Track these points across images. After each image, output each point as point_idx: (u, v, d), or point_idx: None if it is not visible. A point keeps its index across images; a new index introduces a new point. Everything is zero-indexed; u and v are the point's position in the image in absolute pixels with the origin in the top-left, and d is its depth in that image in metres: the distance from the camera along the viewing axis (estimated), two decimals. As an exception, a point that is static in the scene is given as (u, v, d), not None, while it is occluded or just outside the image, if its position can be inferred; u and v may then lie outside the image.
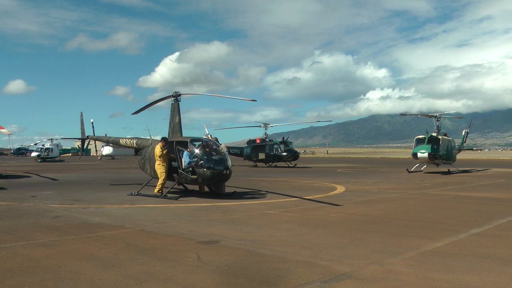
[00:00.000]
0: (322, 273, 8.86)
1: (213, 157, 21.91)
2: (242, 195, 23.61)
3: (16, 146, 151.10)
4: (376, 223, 15.20)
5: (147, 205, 19.25)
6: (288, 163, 61.56)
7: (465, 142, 61.65)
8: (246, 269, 9.12)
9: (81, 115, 34.23)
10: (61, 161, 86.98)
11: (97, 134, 34.66)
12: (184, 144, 22.62)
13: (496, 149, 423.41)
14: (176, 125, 24.44)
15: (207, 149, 22.10)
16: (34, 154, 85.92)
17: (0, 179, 34.95)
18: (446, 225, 14.82)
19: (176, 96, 24.41)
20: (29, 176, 39.04)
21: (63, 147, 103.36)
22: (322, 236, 12.70)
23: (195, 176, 21.71)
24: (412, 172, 45.90)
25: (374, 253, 10.51)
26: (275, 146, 61.24)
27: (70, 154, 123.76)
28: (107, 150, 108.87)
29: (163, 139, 22.66)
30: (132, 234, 12.89)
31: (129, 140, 28.73)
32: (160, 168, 22.70)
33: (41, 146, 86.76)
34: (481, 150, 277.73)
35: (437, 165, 46.33)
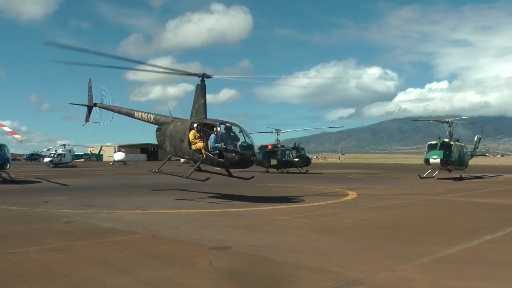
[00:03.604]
0: (334, 280, 8.82)
1: (242, 143, 22.05)
2: (254, 201, 23.57)
3: (29, 151, 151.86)
4: (388, 229, 15.13)
5: (159, 211, 19.28)
6: (300, 169, 61.36)
7: (477, 147, 61.26)
8: (257, 275, 9.10)
9: (89, 81, 33.03)
10: (73, 166, 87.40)
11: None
12: (212, 126, 22.60)
13: (509, 154, 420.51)
14: (200, 106, 24.10)
15: (236, 134, 22.29)
16: (46, 159, 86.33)
17: (13, 183, 35.14)
18: (458, 231, 14.73)
19: (203, 77, 24.23)
20: (40, 182, 39.22)
21: (75, 153, 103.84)
22: (334, 242, 12.66)
23: (222, 160, 21.71)
24: (424, 178, 45.63)
25: (386, 260, 10.45)
26: (287, 152, 61.12)
27: (83, 159, 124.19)
28: (119, 155, 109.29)
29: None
30: (144, 239, 12.91)
31: (146, 114, 27.94)
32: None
33: (53, 152, 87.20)
34: (494, 155, 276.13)
35: (450, 171, 46.03)
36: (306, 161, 60.87)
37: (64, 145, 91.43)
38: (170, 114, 26.51)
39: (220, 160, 21.76)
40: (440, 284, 8.59)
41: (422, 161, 48.09)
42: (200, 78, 24.22)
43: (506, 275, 9.28)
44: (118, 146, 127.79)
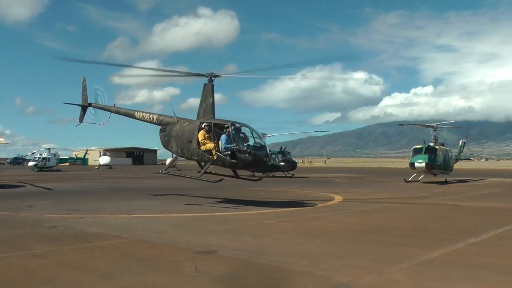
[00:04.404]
0: (321, 283, 8.82)
1: (255, 143, 21.80)
2: (240, 204, 23.54)
3: (13, 155, 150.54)
4: (374, 233, 15.18)
5: (144, 215, 19.18)
6: (285, 173, 61.39)
7: (462, 152, 61.71)
8: (244, 279, 9.08)
9: (84, 80, 31.80)
10: (58, 170, 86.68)
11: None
12: (223, 127, 22.31)
13: (493, 159, 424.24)
14: (209, 106, 23.68)
15: (249, 134, 22.05)
16: (31, 163, 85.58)
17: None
18: (443, 234, 14.81)
19: (211, 77, 23.82)
20: (24, 186, 38.89)
21: (60, 157, 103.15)
22: (320, 246, 12.68)
23: (235, 160, 21.38)
24: (409, 182, 45.83)
25: (372, 263, 10.48)
26: (273, 156, 61.13)
27: (68, 163, 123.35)
28: (104, 159, 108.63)
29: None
30: (130, 244, 12.84)
31: (148, 114, 27.21)
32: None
33: (38, 156, 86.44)
34: (478, 159, 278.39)
35: (435, 174, 46.29)
36: (292, 165, 60.91)
37: (49, 148, 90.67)
38: (175, 114, 25.94)
39: (232, 161, 21.41)
40: (426, 287, 8.63)
41: (407, 165, 48.44)
42: (208, 78, 23.92)
43: (490, 277, 9.35)
44: (103, 150, 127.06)
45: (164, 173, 25.40)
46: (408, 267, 10.08)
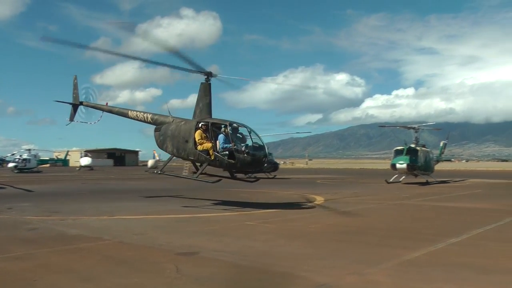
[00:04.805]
0: (302, 284, 8.84)
1: (253, 143, 21.59)
2: (222, 206, 23.51)
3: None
4: (356, 233, 15.23)
5: (126, 217, 19.09)
6: (267, 174, 61.42)
7: (443, 153, 62.19)
8: (225, 281, 9.07)
9: (75, 78, 31.02)
10: (39, 172, 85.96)
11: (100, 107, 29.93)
12: (221, 126, 21.99)
13: (474, 160, 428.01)
14: (205, 106, 23.23)
15: (248, 134, 21.80)
16: (11, 164, 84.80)
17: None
18: (424, 235, 14.90)
19: (208, 75, 23.22)
20: (3, 188, 38.50)
21: (41, 158, 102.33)
22: (302, 247, 12.69)
23: (233, 161, 21.07)
24: (390, 183, 46.07)
25: (353, 264, 10.51)
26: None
27: (48, 165, 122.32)
28: (85, 160, 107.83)
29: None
30: (110, 246, 12.77)
31: (142, 114, 26.61)
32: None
33: (18, 157, 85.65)
34: (459, 160, 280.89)
35: (416, 176, 46.58)
36: (273, 166, 60.89)
37: (29, 149, 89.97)
38: (170, 113, 25.53)
39: (230, 161, 21.09)
40: (406, 287, 8.68)
41: (388, 166, 48.65)
42: (205, 77, 23.34)
43: (470, 277, 9.43)
44: (84, 151, 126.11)
45: (160, 173, 24.99)
46: (389, 268, 10.12)
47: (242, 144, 21.41)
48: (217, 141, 21.55)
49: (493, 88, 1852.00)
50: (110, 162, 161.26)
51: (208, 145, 21.65)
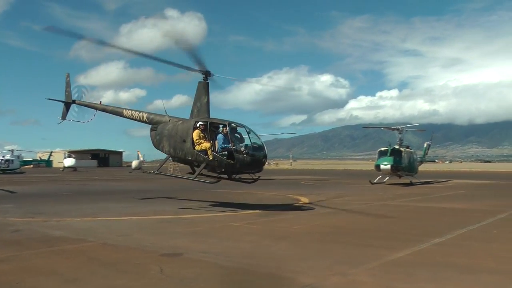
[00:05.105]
0: (286, 285, 8.87)
1: (253, 143, 21.21)
2: (206, 207, 23.49)
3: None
4: (340, 234, 15.31)
5: (110, 218, 19.01)
6: (251, 175, 61.33)
7: (427, 154, 62.60)
8: (209, 282, 9.07)
9: (67, 76, 30.51)
10: (22, 173, 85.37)
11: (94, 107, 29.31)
12: (220, 126, 21.71)
13: (457, 161, 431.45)
14: (203, 105, 22.82)
15: (247, 134, 21.38)
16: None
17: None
18: (408, 235, 15.01)
19: (206, 75, 22.73)
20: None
21: (24, 159, 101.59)
22: (286, 248, 12.72)
23: (232, 161, 20.78)
24: (375, 183, 46.30)
25: (337, 264, 10.56)
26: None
27: (32, 165, 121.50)
28: (69, 161, 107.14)
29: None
30: (95, 247, 12.71)
31: (137, 113, 26.17)
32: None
33: (1, 158, 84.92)
34: (442, 161, 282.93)
35: (400, 176, 46.82)
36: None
37: (12, 150, 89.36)
38: (166, 113, 25.12)
39: (229, 161, 20.83)
40: (390, 287, 8.74)
41: (372, 167, 48.88)
42: (203, 76, 22.86)
43: (454, 277, 9.51)
44: (68, 152, 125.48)
45: (156, 173, 24.71)
46: (373, 268, 10.18)
47: (241, 144, 21.17)
48: (216, 141, 21.32)
49: (476, 90, 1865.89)
50: (94, 163, 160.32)
51: (206, 145, 21.32)
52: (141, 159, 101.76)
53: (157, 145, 24.35)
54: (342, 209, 22.76)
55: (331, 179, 62.14)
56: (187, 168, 24.82)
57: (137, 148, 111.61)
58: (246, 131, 21.55)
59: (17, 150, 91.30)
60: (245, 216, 19.93)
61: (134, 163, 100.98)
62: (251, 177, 24.61)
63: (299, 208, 23.59)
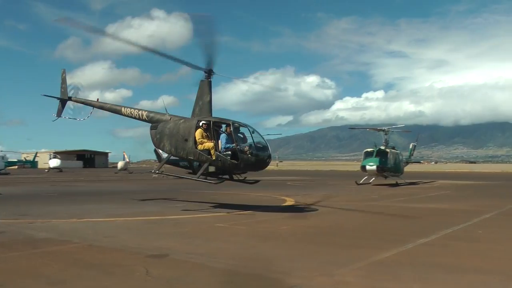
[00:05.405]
0: (273, 286, 8.88)
1: (257, 143, 20.93)
2: (192, 208, 23.43)
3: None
4: (326, 234, 15.35)
5: (95, 219, 18.90)
6: (237, 175, 61.26)
7: (412, 155, 62.94)
8: (196, 283, 9.05)
9: (63, 72, 29.53)
10: (6, 174, 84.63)
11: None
12: (223, 126, 21.50)
13: (443, 161, 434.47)
14: (205, 104, 22.47)
15: (251, 134, 21.08)
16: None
17: None
18: (394, 235, 15.09)
19: (209, 73, 22.46)
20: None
21: (8, 159, 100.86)
22: (272, 249, 12.73)
23: (236, 161, 20.49)
24: (360, 184, 46.46)
25: (324, 265, 10.58)
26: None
27: (17, 166, 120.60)
28: (54, 162, 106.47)
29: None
30: (80, 249, 12.63)
31: (136, 111, 25.63)
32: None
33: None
34: (428, 162, 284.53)
35: (385, 177, 47.05)
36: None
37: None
38: (166, 111, 24.70)
39: (233, 161, 20.55)
40: (377, 287, 8.77)
41: (359, 168, 49.05)
42: (206, 74, 22.53)
43: (439, 276, 9.57)
44: (53, 153, 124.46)
45: (158, 173, 24.45)
46: (359, 268, 10.22)
47: (245, 144, 20.82)
48: (219, 141, 21.07)
49: (462, 91, 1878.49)
50: (80, 163, 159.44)
51: (209, 144, 21.02)
52: (127, 160, 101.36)
53: (158, 144, 24.03)
54: (328, 210, 22.84)
55: (317, 180, 62.28)
56: (174, 169, 24.71)
57: (122, 148, 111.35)
58: (250, 130, 21.25)
59: (1, 151, 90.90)
60: (231, 217, 19.90)
61: (120, 164, 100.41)
62: (253, 179, 24.45)
63: (285, 209, 23.63)
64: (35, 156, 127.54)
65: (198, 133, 21.30)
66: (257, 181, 24.65)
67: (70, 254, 11.91)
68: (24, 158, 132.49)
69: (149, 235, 14.90)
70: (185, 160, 26.18)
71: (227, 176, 23.13)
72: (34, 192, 36.37)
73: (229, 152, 20.67)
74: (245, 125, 21.44)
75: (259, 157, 20.68)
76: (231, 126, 20.81)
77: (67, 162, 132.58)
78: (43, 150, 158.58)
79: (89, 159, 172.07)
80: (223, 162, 20.85)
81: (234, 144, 20.51)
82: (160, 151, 64.13)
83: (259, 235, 15.17)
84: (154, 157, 71.06)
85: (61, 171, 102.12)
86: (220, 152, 20.77)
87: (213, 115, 22.13)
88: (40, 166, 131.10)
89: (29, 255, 11.72)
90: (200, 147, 21.25)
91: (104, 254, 11.86)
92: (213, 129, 21.26)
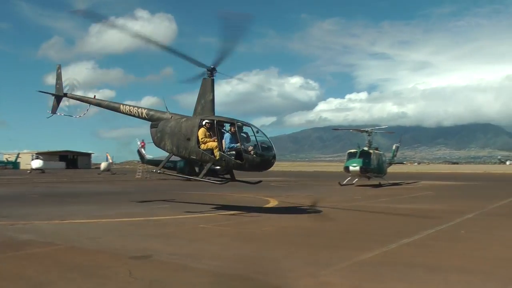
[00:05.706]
0: (257, 287, 8.88)
1: (262, 143, 20.61)
2: (176, 209, 23.36)
3: None
4: (309, 235, 15.38)
5: (78, 221, 18.74)
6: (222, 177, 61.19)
7: (395, 156, 63.29)
8: (179, 284, 9.03)
9: (59, 68, 29.01)
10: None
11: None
12: (227, 125, 21.11)
13: (425, 162, 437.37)
14: (208, 103, 22.17)
15: (255, 134, 20.70)
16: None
17: None
18: (377, 236, 15.15)
19: (212, 71, 22.12)
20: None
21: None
22: (256, 250, 12.73)
23: (241, 161, 20.12)
24: (344, 185, 46.62)
25: (307, 266, 10.60)
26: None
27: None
28: (36, 163, 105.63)
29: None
30: (63, 251, 12.53)
31: (136, 108, 25.19)
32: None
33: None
34: (411, 163, 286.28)
35: (369, 178, 47.26)
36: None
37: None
38: (167, 109, 24.26)
39: (237, 161, 20.21)
40: (360, 287, 8.82)
41: (342, 169, 49.22)
42: (209, 72, 22.19)
43: (422, 276, 9.65)
44: (36, 154, 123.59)
45: (159, 173, 24.18)
46: (342, 269, 10.25)
47: (249, 144, 20.53)
48: (223, 140, 20.69)
49: (444, 93, 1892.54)
50: (62, 164, 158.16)
51: (213, 144, 20.74)
52: (110, 161, 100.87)
53: (158, 143, 23.65)
54: (312, 211, 22.90)
55: (300, 181, 62.36)
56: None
57: (106, 149, 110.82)
58: (253, 130, 20.92)
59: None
60: (214, 218, 19.88)
61: (103, 165, 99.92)
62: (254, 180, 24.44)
63: (268, 209, 23.65)
64: (17, 157, 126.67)
65: (201, 132, 21.04)
66: (260, 181, 24.67)
67: (52, 256, 11.82)
68: (6, 159, 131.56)
69: (133, 237, 14.84)
70: (183, 160, 25.93)
71: (228, 176, 23.02)
72: (16, 193, 36.02)
73: (233, 152, 20.38)
74: (248, 124, 21.18)
75: (264, 157, 20.42)
76: (235, 125, 20.51)
77: (50, 163, 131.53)
78: (25, 151, 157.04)
79: (72, 160, 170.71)
80: (227, 162, 20.62)
81: (238, 144, 20.20)
82: (143, 151, 63.68)
83: (243, 236, 15.18)
84: (137, 158, 71.11)
85: (43, 172, 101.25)
86: (224, 152, 20.47)
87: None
88: (22, 167, 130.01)
89: (10, 257, 11.60)
90: (203, 146, 20.99)
91: (87, 255, 11.78)
92: (216, 128, 20.90)
